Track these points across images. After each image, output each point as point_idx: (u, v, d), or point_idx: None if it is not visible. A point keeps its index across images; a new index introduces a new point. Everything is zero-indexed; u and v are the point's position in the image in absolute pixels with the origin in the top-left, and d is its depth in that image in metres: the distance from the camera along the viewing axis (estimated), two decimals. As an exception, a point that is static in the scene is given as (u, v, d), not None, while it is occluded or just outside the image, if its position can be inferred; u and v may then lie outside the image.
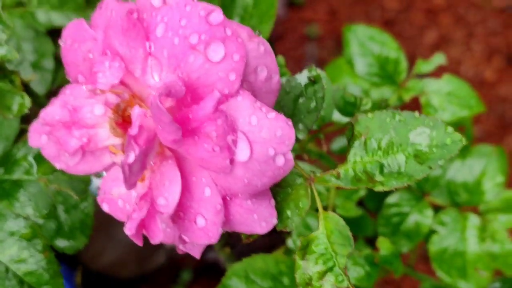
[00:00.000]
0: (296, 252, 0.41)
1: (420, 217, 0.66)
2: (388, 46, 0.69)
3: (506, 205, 0.70)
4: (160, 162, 0.40)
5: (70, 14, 0.66)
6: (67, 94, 0.44)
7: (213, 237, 0.40)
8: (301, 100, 0.44)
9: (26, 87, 0.53)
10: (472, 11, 1.82)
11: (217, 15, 0.38)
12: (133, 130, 0.37)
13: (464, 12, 1.82)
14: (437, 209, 0.68)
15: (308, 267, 0.40)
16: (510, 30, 1.79)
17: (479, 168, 0.68)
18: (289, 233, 0.63)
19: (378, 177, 0.40)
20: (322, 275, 0.40)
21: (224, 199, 0.40)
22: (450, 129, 0.40)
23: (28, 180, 0.48)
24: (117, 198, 0.43)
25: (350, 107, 0.52)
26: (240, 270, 0.55)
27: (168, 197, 0.39)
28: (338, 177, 0.41)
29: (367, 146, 0.41)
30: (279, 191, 0.42)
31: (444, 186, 0.67)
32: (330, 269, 0.40)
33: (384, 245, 0.57)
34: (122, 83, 0.40)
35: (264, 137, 0.37)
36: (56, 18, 0.66)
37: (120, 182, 0.43)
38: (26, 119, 0.51)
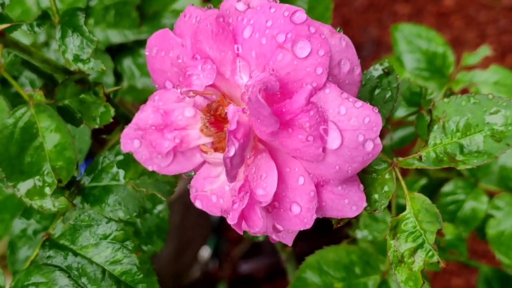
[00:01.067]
0: (387, 233, 0.43)
1: (476, 204, 0.68)
2: (435, 42, 0.72)
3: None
4: (254, 156, 0.43)
5: (125, 31, 0.69)
6: (156, 100, 0.46)
7: (308, 223, 0.42)
8: (377, 91, 0.46)
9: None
10: (482, 11, 1.85)
11: (301, 14, 0.40)
12: (232, 126, 0.39)
13: (474, 13, 1.85)
14: (490, 195, 0.70)
15: (399, 246, 0.43)
16: (521, 28, 1.82)
17: (529, 152, 0.70)
18: (348, 226, 0.65)
19: (459, 157, 0.42)
20: (413, 251, 0.42)
21: (316, 186, 0.42)
22: (523, 107, 0.42)
23: (116, 186, 0.50)
24: (210, 195, 0.45)
25: (416, 97, 0.55)
26: (313, 262, 0.57)
27: (266, 188, 0.41)
28: (420, 159, 0.44)
29: (446, 128, 0.43)
30: (365, 176, 0.44)
31: (496, 172, 0.69)
32: (420, 246, 0.42)
33: (449, 230, 0.60)
34: (212, 84, 0.42)
35: (353, 125, 0.40)
36: (112, 35, 0.69)
37: (212, 179, 0.46)
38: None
